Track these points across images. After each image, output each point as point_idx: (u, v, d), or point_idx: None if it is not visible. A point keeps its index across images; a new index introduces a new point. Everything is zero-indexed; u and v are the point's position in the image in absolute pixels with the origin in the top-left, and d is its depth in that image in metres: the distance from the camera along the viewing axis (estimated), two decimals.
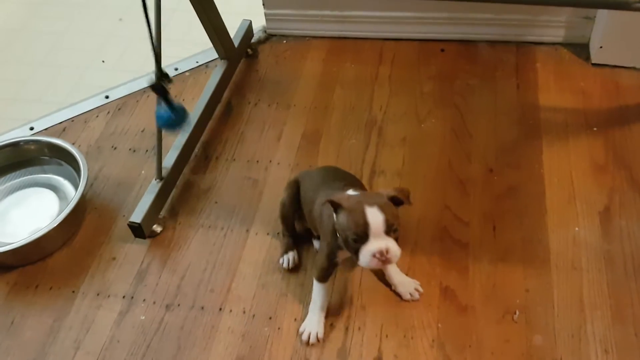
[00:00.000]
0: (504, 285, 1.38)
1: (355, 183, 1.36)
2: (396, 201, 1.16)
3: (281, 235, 1.48)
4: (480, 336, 1.31)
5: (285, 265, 1.44)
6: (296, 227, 1.47)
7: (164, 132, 1.48)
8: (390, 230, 1.11)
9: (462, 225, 1.50)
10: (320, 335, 1.32)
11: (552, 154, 1.62)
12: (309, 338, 1.32)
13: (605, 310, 1.33)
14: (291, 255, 1.44)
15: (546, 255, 1.43)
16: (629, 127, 1.67)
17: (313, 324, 1.33)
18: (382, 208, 1.11)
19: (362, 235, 1.11)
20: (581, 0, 1.73)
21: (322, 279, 1.30)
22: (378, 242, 1.10)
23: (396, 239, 1.13)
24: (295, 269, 1.44)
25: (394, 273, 1.38)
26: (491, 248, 1.45)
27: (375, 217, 1.10)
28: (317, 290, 1.32)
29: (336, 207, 1.16)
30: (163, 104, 1.37)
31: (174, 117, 1.38)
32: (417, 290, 1.37)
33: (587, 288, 1.37)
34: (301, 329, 1.34)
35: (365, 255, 1.11)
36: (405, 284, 1.38)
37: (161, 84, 1.34)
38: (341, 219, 1.14)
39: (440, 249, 1.46)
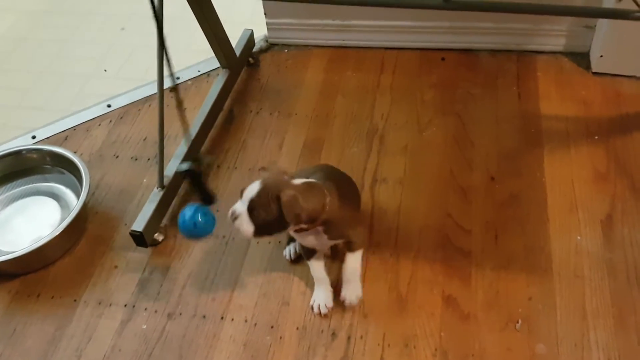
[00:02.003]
0: (507, 294, 1.38)
1: (331, 178, 1.33)
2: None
3: None
4: (482, 345, 1.31)
5: (288, 256, 1.48)
6: None
7: (165, 142, 1.48)
8: (252, 208, 1.18)
9: (464, 233, 1.50)
10: (330, 305, 1.38)
11: (554, 162, 1.63)
12: (319, 309, 1.37)
13: (608, 319, 1.33)
14: (292, 247, 1.48)
15: (548, 264, 1.42)
16: (630, 136, 1.67)
17: (320, 296, 1.39)
18: (264, 188, 1.18)
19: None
20: (582, 10, 1.75)
21: (306, 257, 1.38)
22: (238, 204, 1.21)
23: (258, 226, 1.19)
24: (298, 259, 1.47)
25: (350, 271, 1.35)
26: (493, 256, 1.45)
27: (250, 188, 1.20)
28: (311, 267, 1.39)
29: None
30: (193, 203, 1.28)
31: (195, 229, 1.28)
32: (353, 300, 1.35)
33: (590, 296, 1.37)
34: (311, 303, 1.39)
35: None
36: (351, 286, 1.36)
37: (197, 169, 1.25)
38: None
39: (443, 257, 1.46)
